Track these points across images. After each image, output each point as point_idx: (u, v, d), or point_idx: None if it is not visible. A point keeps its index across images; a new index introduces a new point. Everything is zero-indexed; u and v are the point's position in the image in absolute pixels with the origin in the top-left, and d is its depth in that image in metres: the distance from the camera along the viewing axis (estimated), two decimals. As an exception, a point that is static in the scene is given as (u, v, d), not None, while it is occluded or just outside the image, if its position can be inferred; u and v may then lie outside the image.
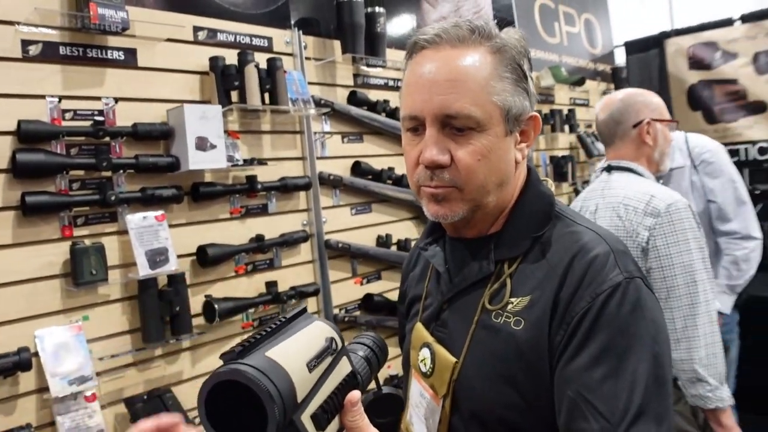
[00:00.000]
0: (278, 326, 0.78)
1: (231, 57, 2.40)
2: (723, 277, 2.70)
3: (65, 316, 1.96)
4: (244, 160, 2.45)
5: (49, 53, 1.98)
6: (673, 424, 0.93)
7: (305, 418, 0.72)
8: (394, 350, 1.25)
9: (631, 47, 5.30)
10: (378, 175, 2.98)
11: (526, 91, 1.02)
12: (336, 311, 2.79)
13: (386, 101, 3.05)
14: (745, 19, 4.62)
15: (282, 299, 2.48)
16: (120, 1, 2.02)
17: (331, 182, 2.80)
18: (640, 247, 1.87)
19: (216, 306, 2.24)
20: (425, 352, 1.11)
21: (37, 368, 1.86)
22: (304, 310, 0.86)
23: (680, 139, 2.84)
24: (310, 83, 2.73)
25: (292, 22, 2.73)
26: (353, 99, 2.93)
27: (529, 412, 0.97)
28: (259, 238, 2.48)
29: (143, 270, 2.05)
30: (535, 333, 0.96)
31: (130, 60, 2.17)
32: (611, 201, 2.00)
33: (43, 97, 1.96)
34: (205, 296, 2.29)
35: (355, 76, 3.00)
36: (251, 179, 2.45)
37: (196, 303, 2.27)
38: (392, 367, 2.83)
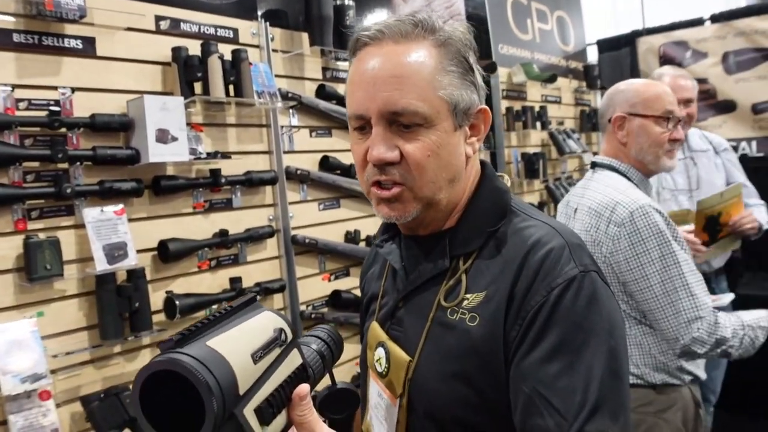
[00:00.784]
0: (223, 315, 0.74)
1: (195, 48, 2.35)
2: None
3: (18, 312, 1.90)
4: (208, 154, 2.40)
5: (2, 40, 1.91)
6: (630, 419, 0.91)
7: (248, 411, 0.68)
8: (359, 348, 1.23)
9: (604, 45, 5.35)
10: (347, 170, 2.95)
11: (474, 84, 1.01)
12: (303, 308, 2.76)
13: (355, 95, 3.01)
14: (715, 19, 4.68)
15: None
16: (77, -13, 1.96)
17: (298, 177, 2.76)
18: (605, 257, 1.79)
19: (177, 302, 2.19)
20: (380, 352, 1.09)
21: (-13, 366, 1.80)
22: (254, 299, 0.81)
23: (695, 130, 3.06)
24: (277, 76, 2.69)
25: (259, 14, 2.69)
26: (322, 92, 2.89)
27: (484, 410, 0.95)
28: (223, 233, 2.43)
29: (101, 265, 2.00)
30: (490, 329, 0.94)
31: (88, 49, 2.11)
32: (586, 204, 1.90)
33: (-5, 85, 1.90)
34: (166, 292, 2.24)
35: (324, 69, 2.97)
36: (215, 173, 2.41)
37: (156, 299, 2.22)
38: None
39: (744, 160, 3.58)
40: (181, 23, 2.39)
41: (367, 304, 1.25)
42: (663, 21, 5.03)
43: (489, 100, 4.10)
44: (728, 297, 2.20)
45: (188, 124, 2.31)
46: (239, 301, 0.78)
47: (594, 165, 2.06)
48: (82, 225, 2.01)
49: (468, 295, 0.99)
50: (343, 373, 2.74)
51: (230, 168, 2.48)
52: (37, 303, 1.95)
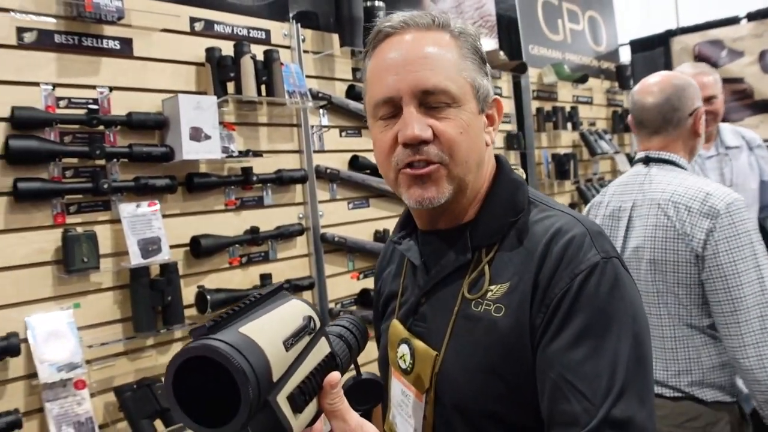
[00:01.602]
0: (252, 302, 0.73)
1: (228, 48, 2.40)
2: None
3: (56, 303, 1.97)
4: (240, 152, 2.45)
5: (44, 41, 1.99)
6: (654, 405, 0.91)
7: (281, 398, 0.68)
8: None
9: (637, 45, 5.29)
10: (376, 170, 2.97)
11: (487, 75, 1.04)
12: (331, 305, 2.79)
13: (385, 95, 3.03)
14: (752, 17, 4.60)
15: (276, 291, 2.47)
16: (115, -11, 2.02)
17: (328, 176, 2.80)
18: (694, 252, 1.67)
19: (208, 297, 2.24)
20: (404, 348, 1.08)
21: (26, 354, 1.86)
22: (281, 287, 0.81)
23: (727, 125, 2.97)
24: (308, 76, 2.73)
25: (291, 15, 2.73)
26: (352, 93, 2.92)
27: (512, 401, 0.96)
28: (254, 230, 2.48)
29: (135, 259, 2.06)
30: (516, 318, 0.95)
31: (125, 49, 2.17)
32: (655, 197, 1.79)
33: (37, 84, 1.97)
34: (198, 287, 2.29)
35: (354, 69, 3.00)
36: (247, 171, 2.45)
37: (188, 293, 2.27)
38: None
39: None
40: (215, 25, 2.44)
41: (385, 304, 1.24)
42: (697, 20, 4.96)
43: (519, 101, 4.09)
44: None
45: (221, 122, 2.37)
46: (268, 290, 0.79)
47: (648, 160, 1.93)
48: (118, 220, 2.07)
49: (492, 287, 0.99)
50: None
51: (261, 166, 2.52)
52: (74, 295, 2.01)
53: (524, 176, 1.12)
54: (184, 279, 2.25)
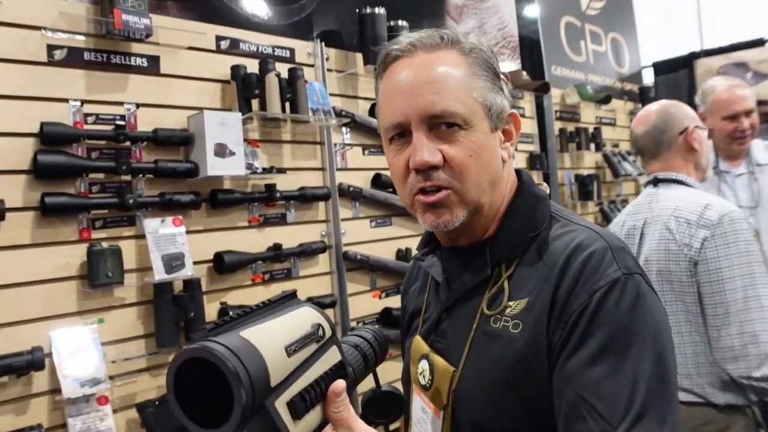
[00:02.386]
0: (260, 307, 0.74)
1: (253, 66, 2.42)
2: None
3: (80, 318, 1.97)
4: (264, 169, 2.45)
5: (73, 58, 2.02)
6: (678, 425, 0.88)
7: (279, 404, 0.68)
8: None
9: (660, 68, 5.26)
10: (398, 188, 2.96)
11: (502, 90, 1.02)
12: (353, 324, 2.76)
13: (408, 114, 3.04)
14: (777, 39, 4.56)
15: (298, 309, 2.46)
16: (144, 8, 2.06)
17: (350, 194, 2.79)
18: (693, 260, 1.78)
19: (231, 313, 2.22)
20: (424, 364, 1.07)
21: (50, 369, 1.86)
22: (294, 294, 0.81)
23: (758, 141, 2.94)
24: (331, 95, 2.74)
25: (315, 34, 2.76)
26: (374, 111, 2.92)
27: (529, 421, 0.93)
28: (276, 247, 2.47)
29: (159, 274, 2.06)
30: (533, 335, 0.92)
31: (152, 66, 2.20)
32: (660, 214, 1.92)
33: (66, 100, 2.00)
34: (221, 303, 2.29)
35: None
36: (270, 188, 2.46)
37: (211, 310, 2.26)
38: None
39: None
40: (240, 43, 2.47)
41: (410, 321, 1.23)
42: (722, 42, 4.93)
43: (541, 121, 4.08)
44: None
45: (245, 139, 2.38)
46: (278, 296, 0.79)
47: (656, 181, 2.06)
48: (143, 235, 2.08)
49: (511, 303, 0.97)
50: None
51: (285, 183, 2.53)
52: (98, 310, 2.01)
53: (548, 191, 1.11)
54: (207, 295, 2.25)
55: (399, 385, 1.19)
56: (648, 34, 5.38)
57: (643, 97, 5.07)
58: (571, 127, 4.28)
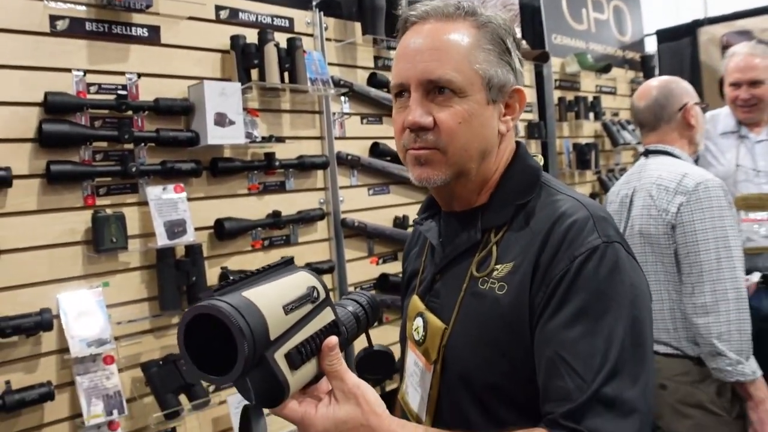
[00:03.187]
0: (260, 272, 0.82)
1: (252, 36, 2.46)
2: None
3: (86, 281, 2.05)
4: (263, 138, 2.51)
5: (75, 28, 2.06)
6: (652, 387, 0.95)
7: (278, 355, 0.76)
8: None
9: (663, 36, 5.23)
10: (396, 157, 3.01)
11: (510, 65, 1.07)
12: (351, 289, 2.84)
13: (406, 84, 3.07)
14: (781, 6, 4.53)
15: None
16: (144, -22, 2.09)
17: (349, 162, 2.85)
18: (670, 224, 1.92)
19: (231, 277, 2.30)
20: (418, 321, 1.15)
21: (57, 330, 1.95)
22: (291, 260, 0.90)
23: None
24: (330, 64, 2.77)
25: (314, 4, 2.77)
26: (373, 80, 2.96)
27: (512, 375, 1.01)
28: (276, 214, 2.53)
29: (161, 240, 2.13)
30: (517, 296, 1.00)
31: (153, 37, 2.24)
32: (646, 182, 2.06)
33: (69, 70, 2.04)
34: (221, 268, 2.36)
35: (376, 58, 3.04)
36: (269, 156, 2.51)
37: (212, 274, 2.34)
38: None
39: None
40: (240, 13, 2.50)
41: (408, 281, 1.32)
42: (725, 10, 4.90)
43: (540, 90, 4.09)
44: (756, 276, 2.36)
45: (245, 108, 2.43)
46: (277, 262, 0.87)
47: (647, 152, 2.20)
48: (145, 202, 2.15)
49: (498, 266, 1.04)
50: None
51: (284, 152, 2.58)
52: (103, 274, 2.09)
53: (542, 163, 1.17)
54: (208, 260, 2.32)
55: (397, 347, 1.27)
56: (651, 1, 5.34)
57: (645, 65, 5.06)
58: (570, 96, 4.30)
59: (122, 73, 2.16)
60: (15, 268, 1.91)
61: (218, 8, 2.43)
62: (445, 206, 1.17)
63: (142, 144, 2.16)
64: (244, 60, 2.41)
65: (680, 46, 5.12)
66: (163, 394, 2.07)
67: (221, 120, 2.26)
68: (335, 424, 0.83)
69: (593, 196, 4.37)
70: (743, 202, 2.64)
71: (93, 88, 2.09)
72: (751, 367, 1.84)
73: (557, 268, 0.96)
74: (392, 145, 3.00)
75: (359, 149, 2.93)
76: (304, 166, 2.63)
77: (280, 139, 2.56)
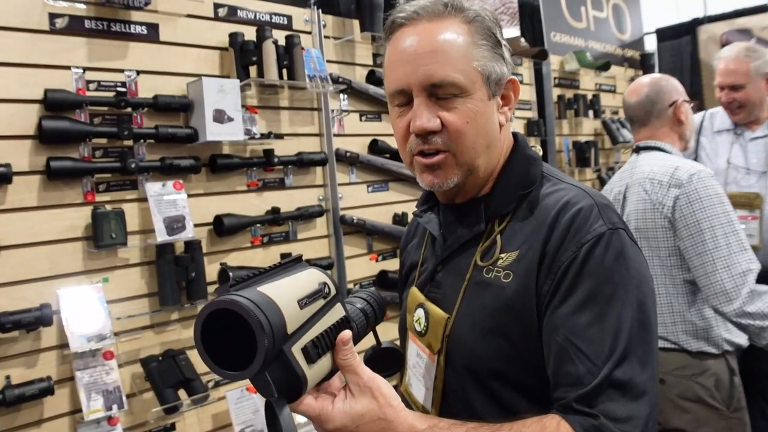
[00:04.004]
0: (272, 268, 0.83)
1: (250, 34, 2.47)
2: None
3: (86, 277, 2.06)
4: (262, 134, 2.52)
5: (74, 26, 2.07)
6: (657, 370, 0.96)
7: (295, 349, 0.77)
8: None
9: (663, 34, 5.24)
10: (395, 154, 3.02)
11: (502, 57, 1.07)
12: (350, 286, 2.85)
13: (405, 81, 3.08)
14: (780, 4, 4.53)
15: (296, 271, 2.54)
16: (142, -24, 2.10)
17: (347, 159, 2.86)
18: (666, 218, 1.93)
19: (231, 273, 2.31)
20: (419, 312, 1.16)
21: (57, 325, 1.96)
22: (300, 258, 0.91)
23: None
24: (328, 61, 2.78)
25: (312, 1, 2.79)
26: (372, 78, 2.98)
27: (518, 362, 1.02)
28: (275, 210, 2.55)
29: (161, 236, 2.14)
30: (523, 284, 1.00)
31: (152, 34, 2.25)
32: (638, 178, 2.08)
33: (68, 68, 2.06)
34: (221, 264, 2.37)
35: (374, 55, 3.05)
36: (268, 153, 2.52)
37: (211, 270, 2.35)
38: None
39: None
40: (238, 10, 2.51)
41: (407, 274, 1.32)
42: (725, 8, 4.90)
43: (540, 88, 4.10)
44: None
45: (243, 105, 2.44)
46: (287, 259, 0.88)
47: (638, 149, 2.21)
48: (145, 198, 2.16)
49: (503, 255, 1.05)
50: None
51: (283, 149, 2.59)
52: (103, 269, 2.10)
53: (540, 153, 1.18)
54: (207, 256, 2.33)
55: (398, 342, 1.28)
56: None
57: (645, 64, 5.06)
58: (569, 94, 4.31)
59: (121, 71, 2.17)
60: (15, 263, 1.93)
61: (217, 6, 2.44)
62: (445, 199, 1.17)
63: (142, 141, 2.18)
64: (242, 57, 2.42)
65: (680, 44, 5.13)
66: (162, 389, 2.08)
67: (220, 117, 2.27)
68: (352, 418, 0.84)
69: (593, 193, 4.36)
70: (730, 200, 2.64)
71: (92, 86, 2.11)
72: None
73: (564, 256, 0.97)
74: (391, 142, 3.01)
75: (358, 146, 2.94)
76: (303, 162, 2.64)
77: (279, 136, 2.57)
